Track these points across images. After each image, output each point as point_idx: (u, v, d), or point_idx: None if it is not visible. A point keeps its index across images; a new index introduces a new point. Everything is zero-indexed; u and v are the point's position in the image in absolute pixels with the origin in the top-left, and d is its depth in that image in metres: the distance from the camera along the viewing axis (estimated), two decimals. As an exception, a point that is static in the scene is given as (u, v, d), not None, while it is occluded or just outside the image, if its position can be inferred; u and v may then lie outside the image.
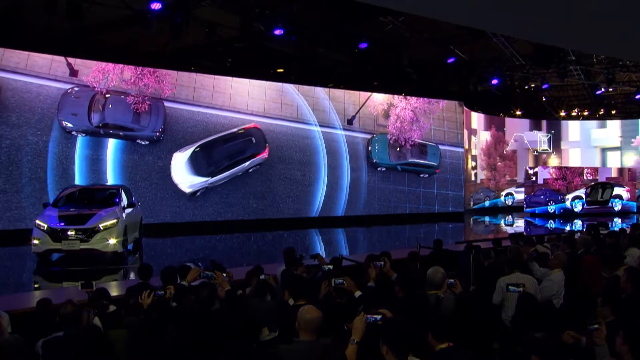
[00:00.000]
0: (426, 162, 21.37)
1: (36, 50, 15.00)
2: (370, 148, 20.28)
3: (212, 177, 16.92)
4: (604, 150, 29.26)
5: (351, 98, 20.06)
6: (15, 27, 13.96)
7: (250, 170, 17.89)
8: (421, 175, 21.39)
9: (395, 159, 20.74)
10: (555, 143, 28.98)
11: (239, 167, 17.47)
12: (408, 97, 21.21)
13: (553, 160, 28.73)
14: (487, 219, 23.63)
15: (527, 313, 4.19)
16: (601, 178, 24.95)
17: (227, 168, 17.31)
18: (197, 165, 16.71)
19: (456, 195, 22.32)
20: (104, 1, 12.60)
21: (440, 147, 21.90)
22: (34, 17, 13.76)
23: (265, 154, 18.14)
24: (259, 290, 5.49)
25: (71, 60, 15.19)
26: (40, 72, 14.66)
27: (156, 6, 12.68)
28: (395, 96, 21.02)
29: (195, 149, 16.79)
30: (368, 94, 20.54)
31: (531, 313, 4.16)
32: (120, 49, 16.02)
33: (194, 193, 16.81)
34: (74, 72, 15.14)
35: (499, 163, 26.47)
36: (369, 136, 20.37)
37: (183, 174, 16.57)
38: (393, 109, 20.84)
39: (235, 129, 17.66)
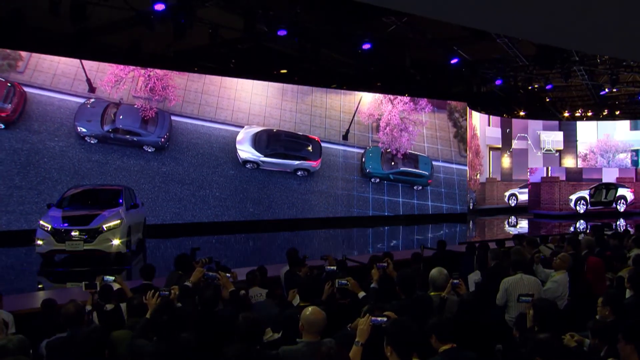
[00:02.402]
0: (417, 171, 21.61)
1: (40, 52, 15.14)
2: (364, 159, 20.69)
3: (265, 156, 18.72)
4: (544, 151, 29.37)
5: (347, 116, 20.46)
6: (19, 29, 14.01)
7: (298, 173, 19.36)
8: (415, 187, 21.53)
9: (388, 168, 21.06)
10: (508, 142, 27.82)
11: (288, 161, 19.27)
12: (394, 102, 21.16)
13: (505, 160, 27.91)
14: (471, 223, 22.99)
15: (547, 317, 4.12)
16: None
17: (279, 156, 19.09)
18: (259, 141, 18.81)
19: (451, 208, 22.33)
20: (107, 2, 12.59)
21: (435, 163, 21.94)
22: (38, 19, 13.80)
23: (315, 164, 19.67)
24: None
25: (90, 75, 16.09)
26: (63, 89, 15.85)
27: (159, 7, 12.69)
28: (383, 102, 21.04)
29: (262, 129, 18.97)
30: (363, 97, 20.70)
31: (553, 317, 4.11)
32: (123, 50, 16.05)
33: (245, 162, 18.45)
34: (92, 89, 16.20)
35: (475, 160, 24.72)
36: (362, 150, 20.79)
37: (245, 143, 18.60)
38: (383, 117, 20.93)
39: (300, 133, 19.57)
